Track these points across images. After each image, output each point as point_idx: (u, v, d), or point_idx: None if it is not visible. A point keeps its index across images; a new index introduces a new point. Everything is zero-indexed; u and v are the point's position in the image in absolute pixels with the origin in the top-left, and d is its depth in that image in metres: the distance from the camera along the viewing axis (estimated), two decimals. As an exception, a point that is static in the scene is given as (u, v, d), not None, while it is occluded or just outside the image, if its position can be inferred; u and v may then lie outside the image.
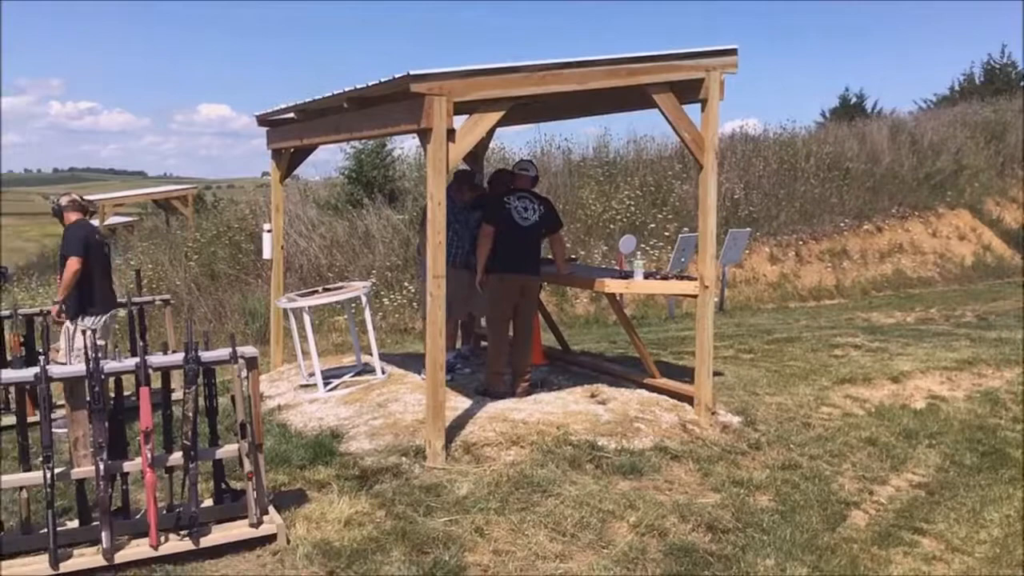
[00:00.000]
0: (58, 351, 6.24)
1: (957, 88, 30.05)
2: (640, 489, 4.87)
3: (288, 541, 4.06)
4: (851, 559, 4.38)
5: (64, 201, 6.35)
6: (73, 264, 5.99)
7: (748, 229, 14.03)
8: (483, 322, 7.37)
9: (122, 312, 7.36)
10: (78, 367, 3.86)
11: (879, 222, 17.48)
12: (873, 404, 6.93)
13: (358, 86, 5.47)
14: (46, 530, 3.69)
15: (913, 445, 6.11)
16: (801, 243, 16.21)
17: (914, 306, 13.34)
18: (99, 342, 6.06)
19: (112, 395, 4.05)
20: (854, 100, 29.39)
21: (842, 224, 16.89)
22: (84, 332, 6.04)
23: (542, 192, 8.60)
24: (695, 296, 6.15)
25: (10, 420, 5.84)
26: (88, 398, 3.78)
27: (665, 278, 6.86)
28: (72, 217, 6.28)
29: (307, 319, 6.72)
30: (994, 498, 5.34)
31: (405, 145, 18.83)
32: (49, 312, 6.36)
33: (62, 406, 4.50)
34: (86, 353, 3.82)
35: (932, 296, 14.96)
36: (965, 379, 7.66)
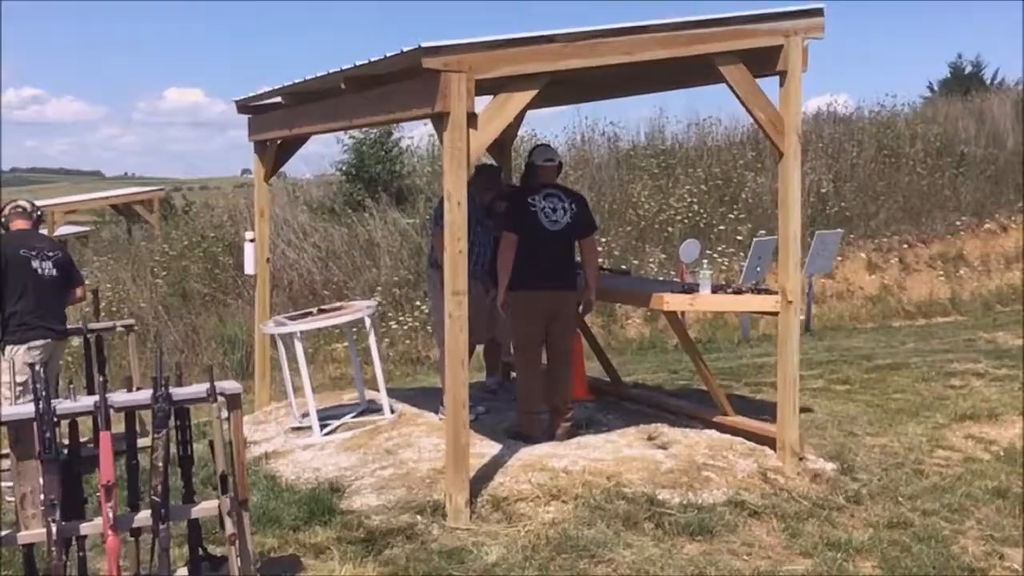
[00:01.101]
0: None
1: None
2: (711, 553, 4.83)
3: (279, 619, 4.08)
4: (978, 640, 4.31)
5: (7, 210, 6.54)
6: None
7: (839, 231, 13.92)
8: (511, 349, 7.35)
9: (76, 341, 7.44)
10: (26, 408, 3.91)
11: (1004, 220, 17.26)
12: (1001, 446, 6.83)
13: (359, 63, 5.52)
14: (-12, 606, 3.74)
15: (1053, 497, 6.01)
16: (906, 247, 16.07)
17: (1050, 324, 13.14)
18: (19, 377, 6.14)
19: (66, 442, 4.09)
20: (969, 70, 29.18)
21: (957, 223, 16.71)
22: (11, 364, 6.16)
23: (584, 190, 8.60)
24: (775, 314, 6.12)
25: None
26: (38, 446, 3.82)
27: (738, 292, 6.83)
28: (17, 226, 6.45)
29: (299, 347, 6.77)
30: None
31: (415, 134, 19.03)
32: None
33: (7, 456, 4.56)
34: (35, 392, 3.87)
35: (1073, 311, 14.72)
36: (1118, 414, 7.53)
